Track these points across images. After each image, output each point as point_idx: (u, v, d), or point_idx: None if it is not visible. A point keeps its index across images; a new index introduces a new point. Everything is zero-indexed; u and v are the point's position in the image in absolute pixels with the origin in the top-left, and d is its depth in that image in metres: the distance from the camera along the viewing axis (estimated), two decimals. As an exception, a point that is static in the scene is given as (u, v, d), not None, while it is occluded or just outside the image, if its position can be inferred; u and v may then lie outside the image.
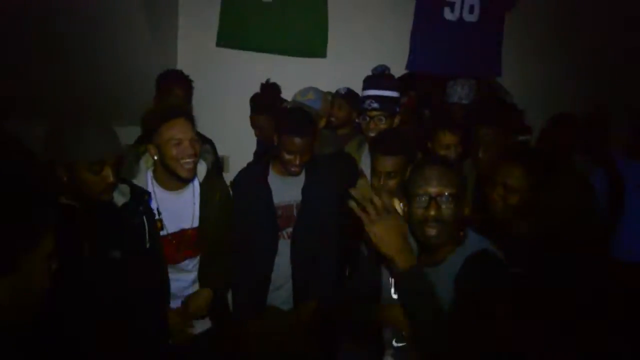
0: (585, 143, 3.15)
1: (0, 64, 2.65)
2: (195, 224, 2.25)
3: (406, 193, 1.62)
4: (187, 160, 2.10)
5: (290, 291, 2.54)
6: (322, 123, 2.99)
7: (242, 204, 2.47)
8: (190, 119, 2.16)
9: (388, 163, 2.30)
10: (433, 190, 1.54)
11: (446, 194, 1.54)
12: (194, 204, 2.26)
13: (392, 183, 2.29)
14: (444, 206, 1.53)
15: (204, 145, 2.88)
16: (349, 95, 3.36)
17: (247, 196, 2.48)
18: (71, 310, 1.71)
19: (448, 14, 3.76)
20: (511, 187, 1.88)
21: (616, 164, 3.07)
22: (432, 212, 1.52)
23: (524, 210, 1.88)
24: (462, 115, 3.23)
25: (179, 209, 2.23)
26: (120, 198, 1.95)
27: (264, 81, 3.32)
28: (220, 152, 3.33)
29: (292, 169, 2.41)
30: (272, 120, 2.91)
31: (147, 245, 2.03)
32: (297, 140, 2.33)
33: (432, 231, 1.54)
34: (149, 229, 2.04)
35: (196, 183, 2.27)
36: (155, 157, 2.12)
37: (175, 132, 2.07)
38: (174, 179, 2.17)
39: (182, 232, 2.24)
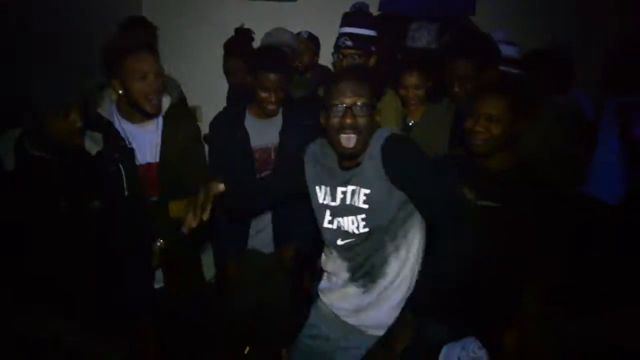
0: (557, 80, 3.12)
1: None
2: (157, 158, 2.19)
3: (323, 105, 1.74)
4: (153, 95, 2.04)
5: (270, 234, 2.53)
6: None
7: (219, 147, 2.45)
8: (154, 52, 2.09)
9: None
10: (348, 100, 1.68)
11: (359, 103, 1.68)
12: (158, 137, 2.19)
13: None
14: (358, 115, 1.68)
15: (172, 79, 2.81)
16: (311, 39, 3.34)
17: (224, 140, 2.45)
18: (52, 263, 1.70)
19: (419, -47, 3.65)
20: (495, 118, 1.86)
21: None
22: (348, 120, 1.67)
23: (507, 141, 1.88)
24: (431, 58, 3.19)
25: (144, 141, 2.16)
26: (93, 147, 1.91)
27: (233, 28, 3.24)
28: (190, 102, 3.26)
29: (269, 107, 2.38)
30: (246, 65, 2.87)
31: (126, 193, 1.99)
32: (272, 76, 2.31)
33: (348, 140, 1.69)
34: (127, 177, 1.99)
35: (160, 117, 2.21)
36: (120, 92, 2.05)
37: (141, 65, 2.00)
38: (139, 113, 2.12)
39: (148, 165, 2.18)
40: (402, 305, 1.78)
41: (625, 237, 2.48)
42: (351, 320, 1.86)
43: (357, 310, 1.84)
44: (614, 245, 2.49)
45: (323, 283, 1.99)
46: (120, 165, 1.99)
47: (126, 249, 1.97)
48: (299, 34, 3.32)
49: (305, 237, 2.49)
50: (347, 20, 2.66)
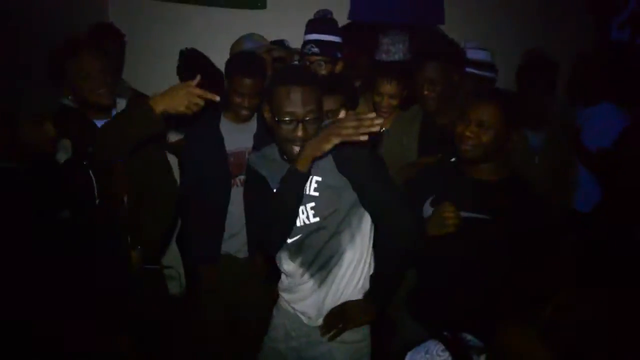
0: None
1: None
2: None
3: (272, 109, 1.67)
4: (101, 89, 2.03)
5: (244, 239, 2.50)
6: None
7: (193, 150, 2.44)
8: (92, 50, 2.06)
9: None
10: (300, 112, 1.62)
11: (310, 118, 1.63)
12: None
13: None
14: (309, 127, 1.64)
15: (124, 82, 2.79)
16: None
17: (198, 143, 2.45)
18: (24, 277, 1.64)
19: (389, -40, 3.69)
20: (485, 124, 1.82)
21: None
22: (299, 134, 1.63)
23: (498, 149, 1.85)
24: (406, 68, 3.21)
25: None
26: (62, 154, 1.87)
27: (201, 36, 3.22)
28: (160, 110, 3.21)
29: (242, 112, 2.39)
30: (205, 85, 2.84)
31: (97, 202, 1.94)
32: (247, 81, 2.31)
33: (297, 150, 1.65)
34: (98, 184, 1.94)
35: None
36: (70, 97, 2.04)
37: (82, 65, 1.99)
38: (97, 110, 2.08)
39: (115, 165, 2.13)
40: (358, 293, 1.80)
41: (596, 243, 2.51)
42: (314, 323, 1.83)
43: (319, 314, 1.81)
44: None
45: (282, 281, 1.93)
46: (91, 172, 1.93)
47: (100, 257, 1.92)
48: (281, 41, 3.29)
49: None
50: (312, 27, 2.69)
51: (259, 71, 2.37)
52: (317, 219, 1.74)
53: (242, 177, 2.43)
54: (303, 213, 1.75)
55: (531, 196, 1.86)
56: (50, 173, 1.78)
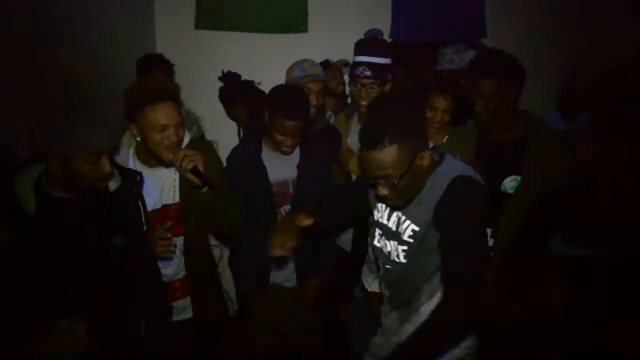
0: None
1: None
2: (177, 199, 2.16)
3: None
4: (172, 147, 1.99)
5: (292, 268, 2.49)
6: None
7: (237, 182, 2.39)
8: (177, 101, 2.04)
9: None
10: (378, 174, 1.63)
11: (382, 175, 1.64)
12: (175, 179, 2.15)
13: None
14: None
15: (191, 114, 2.79)
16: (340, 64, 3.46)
17: (241, 174, 2.40)
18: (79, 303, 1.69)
19: (428, -22, 3.69)
20: (489, 96, 2.06)
21: None
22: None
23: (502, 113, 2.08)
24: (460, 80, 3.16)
25: (161, 185, 2.13)
26: (112, 183, 1.89)
27: (244, 62, 3.27)
28: (208, 137, 3.28)
29: (284, 149, 2.36)
30: (244, 108, 2.89)
31: (145, 228, 1.96)
32: (290, 123, 2.26)
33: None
34: (145, 212, 1.97)
35: None
36: (138, 139, 2.03)
37: (161, 117, 1.95)
38: (155, 159, 2.08)
39: (165, 208, 2.15)
40: None
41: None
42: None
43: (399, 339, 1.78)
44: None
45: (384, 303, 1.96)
46: (139, 200, 1.97)
47: (144, 282, 1.96)
48: (327, 62, 3.34)
49: (328, 270, 2.47)
50: (364, 48, 2.62)
51: (301, 112, 2.31)
52: (405, 261, 1.75)
53: (287, 207, 2.44)
54: (395, 251, 1.77)
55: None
56: (103, 202, 1.81)
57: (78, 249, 1.71)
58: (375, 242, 1.89)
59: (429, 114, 2.67)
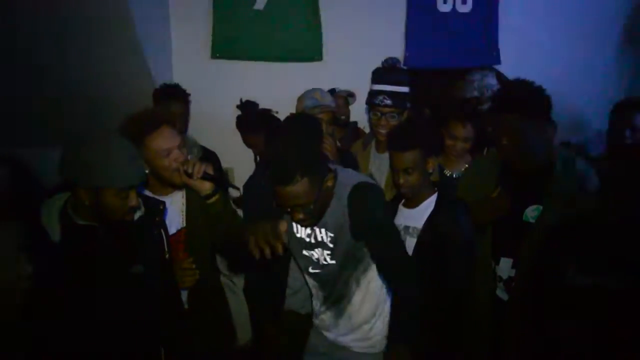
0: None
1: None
2: (184, 223, 2.18)
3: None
4: (179, 167, 2.03)
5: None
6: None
7: (254, 209, 2.42)
8: (173, 124, 2.08)
9: (404, 159, 2.17)
10: (289, 204, 1.81)
11: (299, 204, 1.80)
12: (183, 203, 2.18)
13: (412, 179, 2.16)
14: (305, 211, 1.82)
15: (189, 138, 2.83)
16: (349, 94, 3.49)
17: (258, 201, 2.36)
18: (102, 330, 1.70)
19: (441, 6, 3.72)
20: (514, 132, 2.03)
21: None
22: (298, 217, 1.86)
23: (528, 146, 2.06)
24: (484, 107, 3.15)
25: (171, 211, 2.14)
26: (136, 212, 1.92)
27: (261, 91, 3.29)
28: (224, 165, 3.29)
29: None
30: (261, 136, 2.92)
31: (167, 256, 1.98)
32: None
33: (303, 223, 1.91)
34: (167, 240, 1.98)
35: None
36: (147, 171, 2.02)
37: (162, 142, 2.00)
38: (166, 186, 2.12)
39: (178, 233, 2.17)
40: (372, 320, 2.00)
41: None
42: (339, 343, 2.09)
43: (336, 338, 2.08)
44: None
45: (314, 304, 2.18)
46: (162, 229, 1.98)
47: (166, 310, 1.97)
48: (333, 90, 3.35)
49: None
50: (383, 77, 2.65)
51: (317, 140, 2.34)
52: (334, 261, 1.94)
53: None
54: (322, 255, 1.96)
55: None
56: (127, 230, 1.82)
57: (100, 277, 1.72)
58: (304, 254, 2.03)
59: (449, 142, 2.66)
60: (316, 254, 2.00)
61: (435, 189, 2.24)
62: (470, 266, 2.14)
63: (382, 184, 2.69)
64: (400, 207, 2.29)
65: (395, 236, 1.96)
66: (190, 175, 2.01)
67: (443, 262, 2.08)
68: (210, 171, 2.03)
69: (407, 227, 2.21)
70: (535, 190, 2.11)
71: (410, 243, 2.17)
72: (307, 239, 2.00)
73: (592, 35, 3.80)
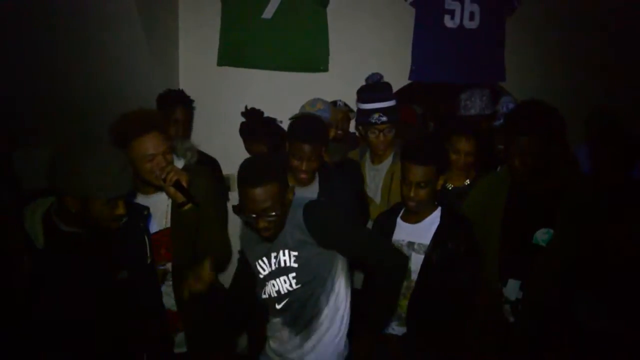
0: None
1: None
2: (168, 223, 2.19)
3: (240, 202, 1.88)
4: (163, 172, 2.06)
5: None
6: (332, 133, 2.99)
7: None
8: (161, 130, 2.10)
9: (419, 173, 2.17)
10: (257, 209, 1.80)
11: (268, 213, 1.81)
12: (168, 204, 2.20)
13: (423, 193, 2.17)
14: (269, 219, 1.83)
15: (186, 141, 2.82)
16: (347, 108, 3.44)
17: None
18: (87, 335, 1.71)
19: (448, 22, 3.72)
20: (526, 153, 2.03)
21: None
22: (261, 225, 1.84)
23: (541, 167, 2.07)
24: (485, 125, 3.17)
25: (155, 210, 2.16)
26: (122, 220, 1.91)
27: (267, 99, 3.30)
28: (226, 171, 3.29)
29: (300, 176, 2.39)
30: (264, 144, 2.93)
31: (149, 261, 1.99)
32: (305, 146, 2.32)
33: (266, 232, 1.87)
34: (150, 245, 1.99)
35: None
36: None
37: (148, 147, 2.04)
38: (150, 187, 2.16)
39: (160, 233, 2.18)
40: (336, 342, 1.97)
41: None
42: None
43: (300, 357, 1.99)
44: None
45: (268, 346, 2.10)
46: (145, 235, 1.99)
47: (148, 314, 1.99)
48: (335, 102, 3.36)
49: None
50: (373, 95, 2.72)
51: (318, 136, 2.38)
52: (299, 285, 1.92)
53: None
54: (286, 282, 1.93)
55: None
56: (111, 236, 1.82)
57: (84, 282, 1.72)
58: (264, 296, 2.01)
59: (452, 156, 2.66)
60: (278, 284, 1.96)
61: (436, 203, 2.23)
62: (477, 282, 2.14)
63: (377, 196, 2.72)
64: (399, 221, 2.29)
65: (362, 230, 2.12)
66: (164, 181, 2.05)
67: (451, 278, 2.08)
68: (184, 183, 2.06)
69: (411, 243, 2.21)
70: (546, 212, 2.09)
71: (417, 259, 2.16)
72: (272, 269, 1.96)
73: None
